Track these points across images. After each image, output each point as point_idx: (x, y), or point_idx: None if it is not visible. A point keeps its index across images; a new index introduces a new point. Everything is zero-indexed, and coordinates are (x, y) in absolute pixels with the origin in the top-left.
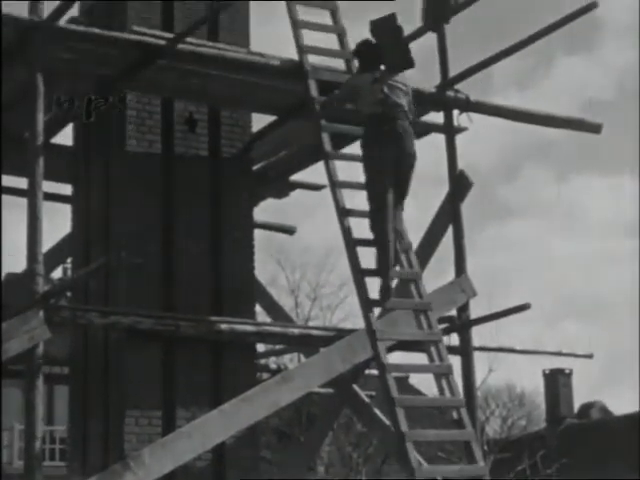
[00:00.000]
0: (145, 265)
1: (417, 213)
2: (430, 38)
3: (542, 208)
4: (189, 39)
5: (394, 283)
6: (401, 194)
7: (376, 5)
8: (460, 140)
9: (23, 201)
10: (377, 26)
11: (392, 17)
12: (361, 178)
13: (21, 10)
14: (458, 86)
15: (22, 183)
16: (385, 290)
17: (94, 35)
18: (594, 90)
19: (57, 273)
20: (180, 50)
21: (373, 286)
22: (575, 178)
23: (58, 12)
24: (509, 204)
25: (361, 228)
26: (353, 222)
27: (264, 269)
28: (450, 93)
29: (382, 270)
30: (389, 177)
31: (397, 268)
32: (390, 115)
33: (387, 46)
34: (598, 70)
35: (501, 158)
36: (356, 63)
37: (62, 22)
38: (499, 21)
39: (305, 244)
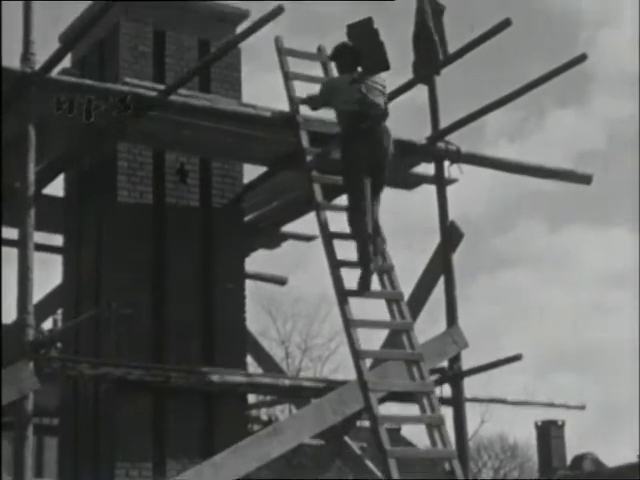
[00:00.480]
0: (136, 316)
1: (409, 263)
2: (421, 90)
3: (534, 259)
4: (181, 90)
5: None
6: (378, 188)
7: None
8: (452, 191)
9: (14, 252)
10: (354, 30)
11: (368, 21)
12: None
13: (13, 61)
14: (449, 137)
15: (13, 234)
16: (364, 280)
17: (86, 86)
18: (586, 141)
19: (47, 324)
20: (172, 101)
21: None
22: (567, 229)
23: (50, 63)
24: (501, 255)
25: (353, 279)
26: (345, 273)
27: (255, 320)
28: (441, 145)
29: (361, 261)
30: (366, 172)
31: (379, 261)
32: (367, 113)
33: (364, 49)
34: (590, 122)
35: (493, 209)
36: (334, 67)
37: (54, 73)
38: (490, 73)
39: (296, 295)
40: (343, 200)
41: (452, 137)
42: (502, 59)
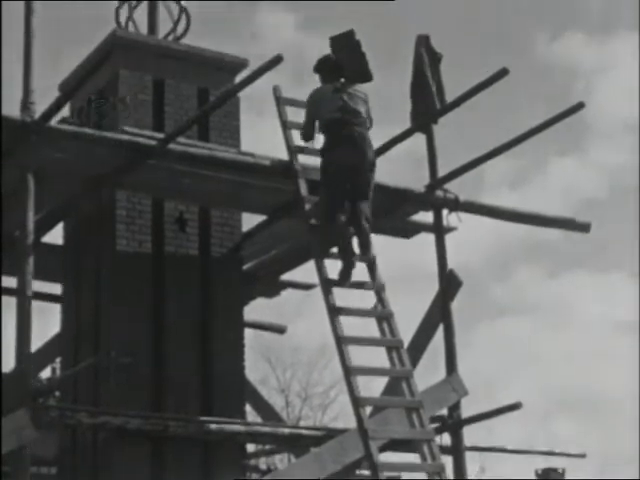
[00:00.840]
0: (134, 364)
1: (408, 310)
2: (419, 138)
3: (534, 306)
4: (180, 139)
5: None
6: (362, 195)
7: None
8: (452, 239)
9: (12, 300)
10: (337, 42)
11: (350, 33)
12: (353, 276)
13: (12, 110)
14: (448, 186)
15: (11, 282)
16: (345, 271)
17: (85, 135)
18: (586, 189)
19: (46, 372)
20: (171, 150)
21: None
22: (567, 276)
23: (50, 112)
24: (501, 302)
25: (352, 326)
26: (344, 320)
27: (254, 368)
28: (439, 193)
29: (342, 254)
30: (345, 178)
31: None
32: (349, 120)
33: (346, 60)
34: (589, 170)
35: (493, 256)
36: (317, 79)
37: (53, 122)
38: (488, 121)
39: (296, 343)
40: None
41: (451, 185)
42: (500, 107)
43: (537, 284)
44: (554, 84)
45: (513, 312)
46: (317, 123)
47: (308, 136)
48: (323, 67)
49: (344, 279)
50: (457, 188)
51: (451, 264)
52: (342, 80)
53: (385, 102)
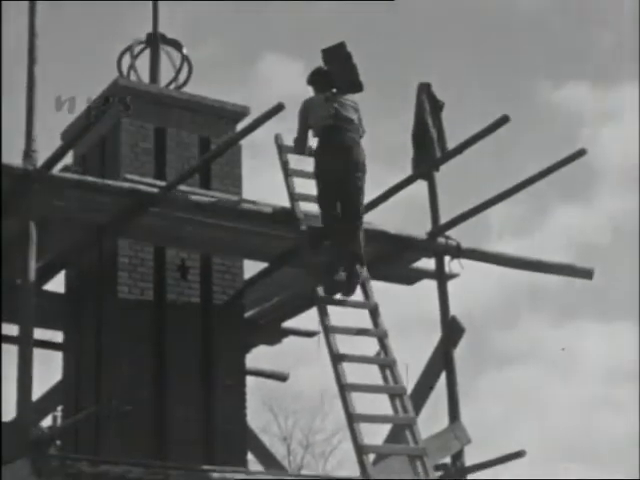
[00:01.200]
0: (136, 413)
1: (411, 357)
2: (421, 185)
3: (538, 353)
4: (182, 187)
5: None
6: (358, 208)
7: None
8: (456, 285)
9: (14, 348)
10: (328, 54)
11: (342, 45)
12: (354, 323)
13: (14, 158)
14: (451, 232)
15: (13, 330)
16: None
17: (87, 183)
18: (590, 236)
19: (47, 421)
20: (173, 198)
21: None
22: (572, 323)
23: (52, 160)
24: (505, 350)
25: (355, 373)
26: (347, 367)
27: (256, 416)
28: (441, 240)
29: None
30: (337, 183)
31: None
32: (340, 127)
33: (338, 71)
34: (594, 216)
35: (497, 304)
36: (311, 91)
37: (55, 170)
38: (491, 168)
39: (298, 390)
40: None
41: (455, 232)
42: (503, 154)
43: (541, 331)
44: (559, 132)
45: (517, 360)
46: (310, 133)
47: (301, 147)
48: (316, 79)
49: (348, 290)
50: (461, 234)
51: (455, 311)
52: (334, 90)
53: (388, 149)
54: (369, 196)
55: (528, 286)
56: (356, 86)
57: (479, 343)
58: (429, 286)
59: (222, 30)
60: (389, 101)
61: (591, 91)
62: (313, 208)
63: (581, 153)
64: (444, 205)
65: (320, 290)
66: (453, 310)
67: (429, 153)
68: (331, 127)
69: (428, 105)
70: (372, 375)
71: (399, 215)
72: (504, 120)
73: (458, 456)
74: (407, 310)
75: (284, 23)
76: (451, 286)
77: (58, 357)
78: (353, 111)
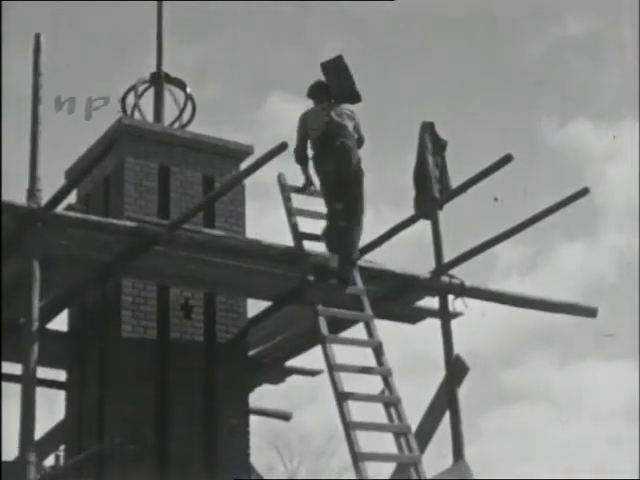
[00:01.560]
0: (139, 452)
1: (416, 396)
2: (425, 224)
3: (544, 392)
4: (185, 225)
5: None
6: (355, 208)
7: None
8: (462, 324)
9: (17, 387)
10: (327, 67)
11: (339, 58)
12: (358, 361)
13: (18, 197)
14: (456, 271)
15: (16, 369)
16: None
17: (91, 222)
18: (596, 275)
19: (49, 461)
20: (176, 237)
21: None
22: (578, 361)
23: (56, 199)
24: (511, 388)
25: (361, 411)
26: (352, 405)
27: (261, 455)
28: (445, 278)
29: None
30: (336, 187)
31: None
32: (335, 133)
33: (335, 83)
34: (599, 255)
35: (503, 343)
36: (311, 103)
37: (59, 209)
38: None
39: (304, 430)
40: (349, 333)
41: (461, 271)
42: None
43: (547, 370)
44: (564, 170)
45: (522, 398)
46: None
47: (300, 157)
48: (315, 92)
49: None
50: (466, 273)
51: (461, 349)
52: (332, 101)
53: (392, 188)
54: (374, 235)
55: (536, 325)
56: (354, 97)
57: (484, 381)
58: (434, 325)
59: (229, 70)
60: (395, 140)
61: (595, 129)
62: (317, 247)
63: (584, 192)
64: (448, 243)
65: (324, 328)
66: (459, 348)
67: (431, 192)
68: (326, 134)
69: (431, 144)
70: (377, 413)
71: (403, 254)
72: (507, 159)
73: None
74: (411, 348)
75: (291, 62)
76: (457, 324)
77: (61, 396)
78: (348, 119)
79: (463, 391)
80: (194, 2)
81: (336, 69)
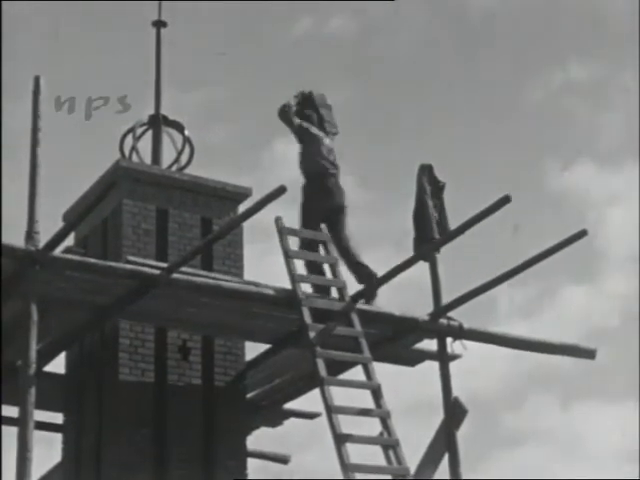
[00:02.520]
0: None
1: (414, 439)
2: (423, 265)
3: (546, 435)
4: (183, 268)
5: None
6: (339, 234)
7: None
8: (464, 366)
9: (13, 430)
10: (305, 101)
11: (312, 93)
12: (357, 403)
13: (17, 239)
14: (457, 314)
15: (12, 412)
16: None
17: (89, 265)
18: (598, 318)
19: None
20: (174, 279)
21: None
22: (580, 404)
23: (54, 242)
24: (513, 431)
25: (359, 454)
26: (350, 447)
27: None
28: (443, 321)
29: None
30: (320, 222)
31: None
32: (328, 172)
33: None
34: (602, 298)
35: (505, 385)
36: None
37: (57, 251)
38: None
39: (302, 473)
40: (348, 375)
41: (462, 314)
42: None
43: (549, 412)
44: (566, 213)
45: (526, 440)
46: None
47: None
48: (303, 113)
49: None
50: (468, 316)
51: (462, 392)
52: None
53: (395, 232)
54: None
55: (538, 367)
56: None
57: (488, 424)
58: (432, 367)
59: (234, 115)
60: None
61: (598, 173)
62: (312, 290)
63: (582, 234)
64: (449, 285)
65: (322, 370)
66: (460, 390)
67: (430, 234)
68: (319, 173)
69: (429, 186)
70: (376, 456)
71: (401, 295)
72: (505, 200)
73: None
74: (410, 391)
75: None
76: (458, 366)
77: (58, 439)
78: (334, 155)
79: (463, 433)
80: (198, 47)
81: (314, 103)
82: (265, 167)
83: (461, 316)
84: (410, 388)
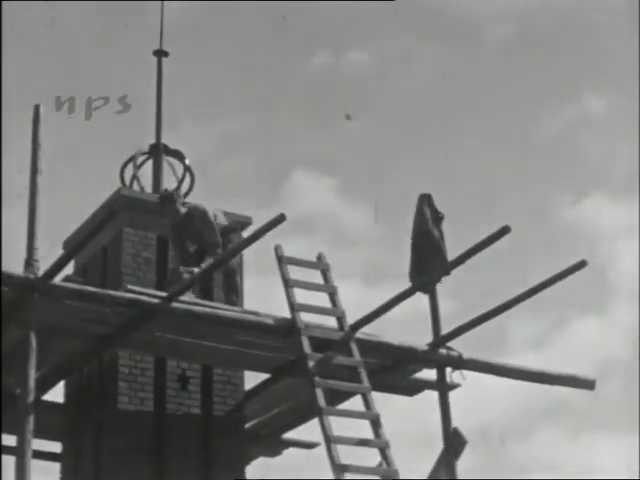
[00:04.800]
0: None
1: (413, 469)
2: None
3: (554, 467)
4: (183, 297)
5: None
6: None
7: None
8: (473, 398)
9: (11, 459)
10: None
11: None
12: (356, 433)
13: (16, 267)
14: (467, 346)
15: (11, 440)
16: None
17: (88, 293)
18: (608, 349)
19: None
20: (174, 308)
21: None
22: (588, 436)
23: (53, 270)
24: (521, 463)
25: None
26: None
27: None
28: (442, 351)
29: None
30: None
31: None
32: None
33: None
34: (612, 329)
35: (514, 416)
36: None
37: (57, 280)
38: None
39: None
40: (347, 405)
41: (471, 345)
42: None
43: (557, 444)
44: (577, 245)
45: (533, 473)
46: None
47: None
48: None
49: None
50: (479, 348)
51: (472, 423)
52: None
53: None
54: (371, 308)
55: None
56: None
57: (495, 455)
58: (431, 397)
59: (253, 146)
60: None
61: (610, 205)
62: (314, 318)
63: (582, 265)
64: (453, 315)
65: (321, 400)
66: (468, 422)
67: (429, 263)
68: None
69: (429, 216)
70: None
71: (400, 325)
72: (504, 231)
73: None
74: (409, 421)
75: (315, 140)
76: (467, 397)
77: (56, 468)
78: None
79: (469, 465)
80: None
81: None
82: (284, 199)
83: (471, 347)
84: (409, 418)
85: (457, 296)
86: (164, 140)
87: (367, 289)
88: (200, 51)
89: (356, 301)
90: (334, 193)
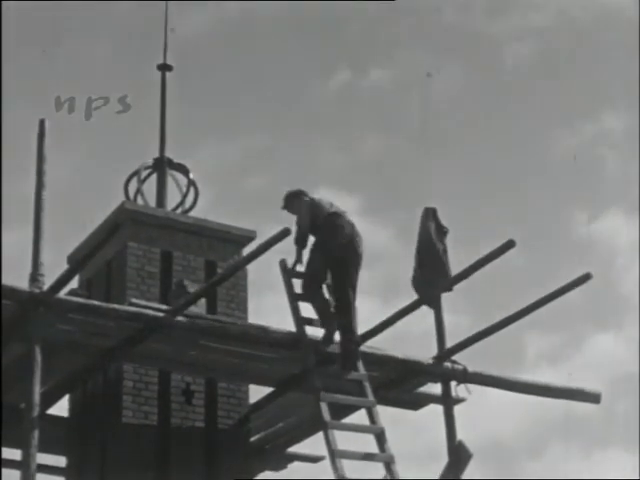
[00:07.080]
0: None
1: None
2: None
3: None
4: (187, 310)
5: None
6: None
7: None
8: (486, 413)
9: (15, 474)
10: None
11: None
12: (361, 447)
13: (21, 282)
14: (483, 361)
15: (15, 454)
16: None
17: (93, 307)
18: (625, 365)
19: None
20: (178, 322)
21: None
22: (601, 453)
23: (58, 284)
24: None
25: None
26: None
27: None
28: (447, 364)
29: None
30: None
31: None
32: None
33: None
34: (627, 346)
35: (527, 432)
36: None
37: (62, 294)
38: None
39: None
40: (351, 419)
41: (488, 359)
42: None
43: (570, 460)
44: (593, 261)
45: None
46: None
47: (305, 242)
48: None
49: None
50: (495, 363)
51: (481, 437)
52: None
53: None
54: (376, 321)
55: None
56: None
57: (507, 471)
58: (437, 410)
59: (276, 164)
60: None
61: (626, 221)
62: (319, 332)
63: (586, 278)
64: (457, 326)
65: (326, 414)
66: (481, 436)
67: (432, 277)
68: (351, 241)
69: (435, 230)
70: None
71: (405, 338)
72: (509, 245)
73: None
74: (414, 435)
75: (338, 158)
76: (480, 411)
77: None
78: None
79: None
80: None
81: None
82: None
83: (486, 361)
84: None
85: (473, 311)
86: (191, 158)
87: (385, 306)
88: (222, 67)
89: (374, 317)
90: (360, 213)
